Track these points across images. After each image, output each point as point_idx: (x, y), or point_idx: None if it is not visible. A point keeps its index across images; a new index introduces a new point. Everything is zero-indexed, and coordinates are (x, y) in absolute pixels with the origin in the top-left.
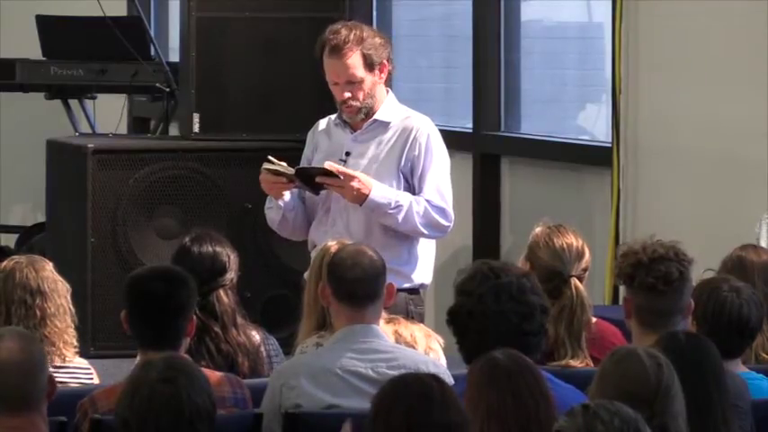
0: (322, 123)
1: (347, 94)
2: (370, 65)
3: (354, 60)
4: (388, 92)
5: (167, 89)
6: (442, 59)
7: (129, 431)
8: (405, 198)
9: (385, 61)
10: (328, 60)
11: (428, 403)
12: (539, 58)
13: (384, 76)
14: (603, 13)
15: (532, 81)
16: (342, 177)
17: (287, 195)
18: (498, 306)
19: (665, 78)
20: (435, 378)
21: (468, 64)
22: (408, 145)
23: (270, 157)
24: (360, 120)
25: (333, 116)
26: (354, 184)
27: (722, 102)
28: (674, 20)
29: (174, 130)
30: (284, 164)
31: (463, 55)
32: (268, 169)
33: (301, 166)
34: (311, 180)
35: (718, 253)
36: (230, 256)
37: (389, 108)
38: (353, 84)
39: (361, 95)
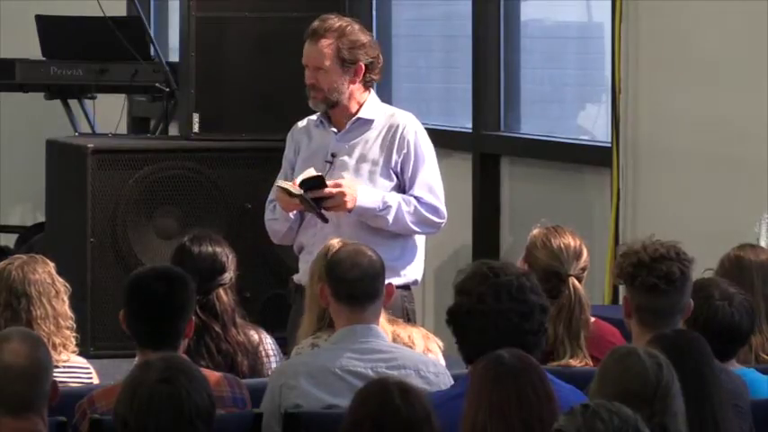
0: (301, 124)
1: (311, 80)
2: (341, 60)
3: (326, 49)
4: (369, 91)
5: (167, 89)
6: (441, 59)
7: (129, 431)
8: (393, 199)
9: (362, 64)
10: (306, 44)
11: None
12: (539, 58)
13: (358, 78)
14: (603, 13)
15: (532, 81)
16: (331, 190)
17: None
18: (498, 305)
19: (665, 78)
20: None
21: (468, 64)
22: (397, 143)
23: (283, 182)
24: (325, 109)
25: (313, 117)
26: (347, 197)
27: (722, 102)
28: (674, 20)
29: (173, 130)
30: (296, 187)
31: (463, 55)
32: (281, 187)
33: (299, 192)
34: (317, 203)
35: (718, 253)
36: (229, 256)
37: (372, 106)
38: (319, 71)
39: (324, 85)
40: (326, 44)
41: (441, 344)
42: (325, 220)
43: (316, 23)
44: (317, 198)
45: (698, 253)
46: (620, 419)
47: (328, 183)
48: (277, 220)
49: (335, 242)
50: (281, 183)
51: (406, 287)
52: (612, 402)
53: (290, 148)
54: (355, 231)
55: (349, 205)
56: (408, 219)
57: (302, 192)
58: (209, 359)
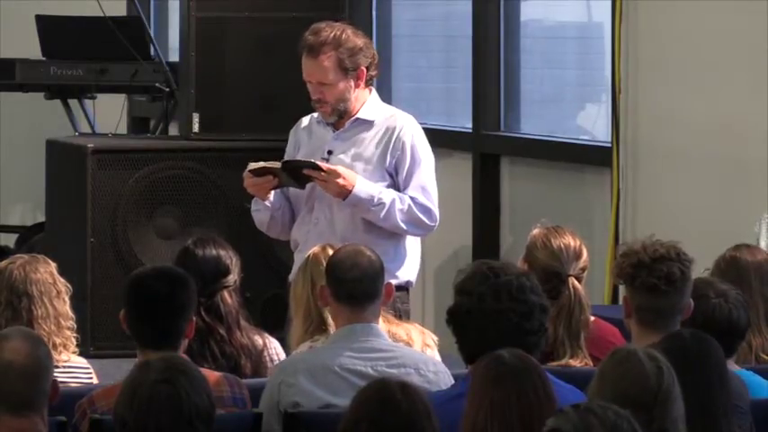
0: (304, 121)
1: (317, 96)
2: (344, 69)
3: (327, 63)
4: (371, 91)
5: (167, 89)
6: (442, 59)
7: (128, 431)
8: (388, 195)
9: (363, 67)
10: (304, 59)
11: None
12: (539, 58)
13: (362, 82)
14: (603, 13)
15: (532, 81)
16: (326, 173)
17: (272, 195)
18: (498, 305)
19: (665, 78)
20: (400, 384)
21: (468, 64)
22: (392, 144)
23: (251, 163)
24: (336, 120)
25: (315, 114)
26: (339, 180)
27: (722, 101)
28: (674, 20)
29: (173, 130)
30: (272, 161)
31: (463, 55)
32: (252, 170)
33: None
34: (297, 172)
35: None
36: (233, 259)
37: (372, 107)
38: (324, 85)
39: (331, 98)
40: (326, 57)
41: (435, 338)
42: (302, 187)
43: (310, 38)
44: (300, 175)
45: (698, 253)
46: (614, 413)
47: (331, 168)
48: (259, 211)
49: (317, 249)
50: (252, 165)
51: (399, 288)
52: (604, 404)
53: (291, 144)
54: (349, 229)
55: (340, 192)
56: (399, 216)
57: (278, 165)
58: (212, 362)
